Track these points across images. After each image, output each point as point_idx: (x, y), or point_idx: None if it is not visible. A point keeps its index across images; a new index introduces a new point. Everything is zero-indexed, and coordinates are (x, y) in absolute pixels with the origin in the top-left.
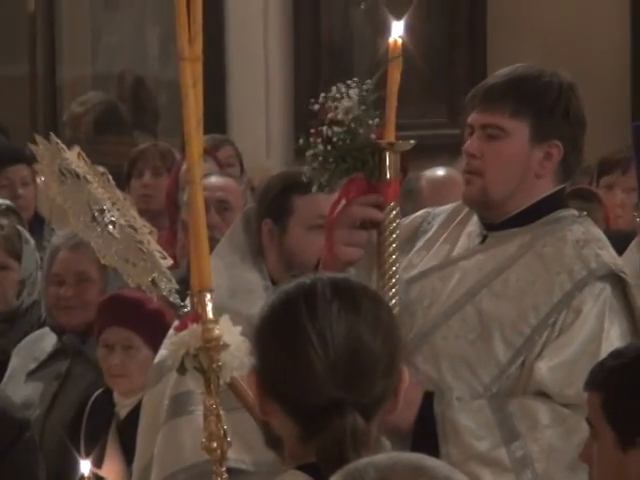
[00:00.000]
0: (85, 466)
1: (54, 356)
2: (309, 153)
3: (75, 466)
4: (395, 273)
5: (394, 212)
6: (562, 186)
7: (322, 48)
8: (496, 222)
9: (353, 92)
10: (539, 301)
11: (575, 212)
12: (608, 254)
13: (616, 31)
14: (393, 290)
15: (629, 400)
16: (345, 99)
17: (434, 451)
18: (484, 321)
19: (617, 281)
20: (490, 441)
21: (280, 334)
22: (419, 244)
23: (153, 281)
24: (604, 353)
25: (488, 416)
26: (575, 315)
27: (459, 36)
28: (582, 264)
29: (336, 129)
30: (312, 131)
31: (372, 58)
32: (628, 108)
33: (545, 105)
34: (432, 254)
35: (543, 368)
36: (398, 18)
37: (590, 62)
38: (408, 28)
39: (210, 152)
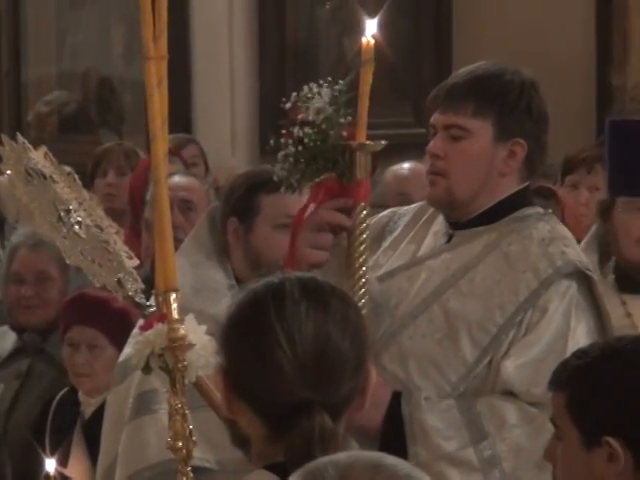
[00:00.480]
0: (50, 465)
1: (14, 355)
2: (280, 154)
3: (40, 465)
4: (365, 273)
5: (364, 212)
6: (526, 184)
7: (287, 47)
8: (462, 221)
9: (325, 92)
10: (505, 300)
11: (540, 210)
12: (574, 251)
13: (582, 30)
14: (362, 290)
15: (593, 399)
16: (316, 99)
17: (402, 452)
18: (451, 320)
19: (583, 278)
20: (458, 441)
21: (248, 334)
22: (385, 244)
23: (119, 281)
24: (571, 351)
25: (456, 416)
26: (541, 314)
27: (425, 35)
28: (548, 262)
29: (307, 130)
30: (283, 132)
31: (337, 57)
32: (593, 108)
33: (507, 103)
34: (398, 254)
35: (510, 367)
36: (371, 16)
37: (556, 62)
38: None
39: (176, 152)
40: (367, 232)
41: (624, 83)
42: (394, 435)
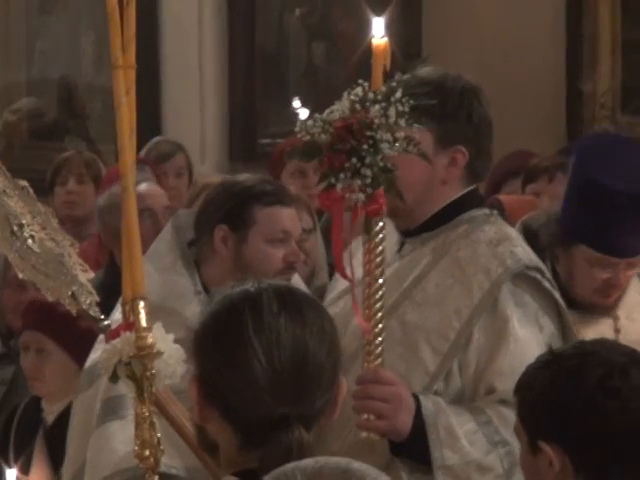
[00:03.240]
0: (11, 474)
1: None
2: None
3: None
4: (383, 283)
5: (382, 222)
6: (472, 187)
7: (256, 54)
8: (411, 229)
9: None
10: (460, 304)
11: (487, 211)
12: (522, 250)
13: (551, 37)
14: (380, 303)
15: (536, 404)
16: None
17: (422, 454)
18: (409, 333)
19: (533, 277)
20: (480, 445)
21: (225, 346)
22: None
23: (73, 295)
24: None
25: (471, 420)
26: (504, 322)
27: (393, 41)
28: (498, 262)
29: (367, 143)
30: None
31: (307, 64)
32: (563, 115)
33: (447, 111)
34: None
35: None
36: (378, 14)
37: (526, 68)
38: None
39: (146, 161)
40: (384, 241)
41: (594, 90)
42: (417, 438)
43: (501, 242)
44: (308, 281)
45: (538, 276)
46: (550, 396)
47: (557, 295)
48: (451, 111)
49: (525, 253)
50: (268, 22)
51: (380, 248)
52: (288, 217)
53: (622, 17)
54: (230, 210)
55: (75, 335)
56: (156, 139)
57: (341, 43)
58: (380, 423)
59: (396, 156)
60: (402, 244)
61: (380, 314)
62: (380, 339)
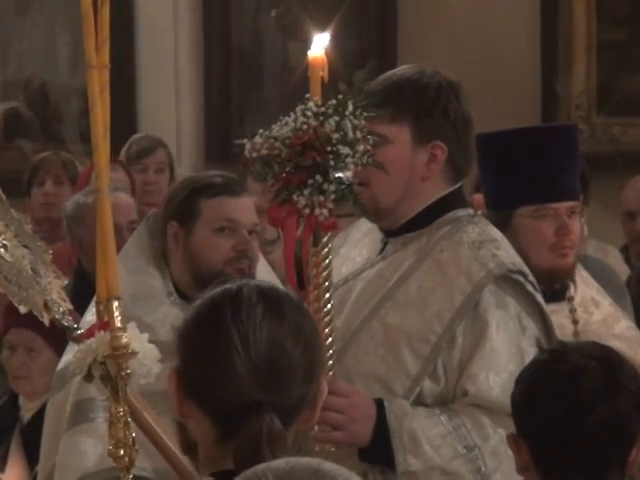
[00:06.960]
0: None
1: None
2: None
3: None
4: (331, 298)
5: (326, 238)
6: (457, 186)
7: (232, 54)
8: (393, 228)
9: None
10: (441, 307)
11: (471, 211)
12: (505, 254)
13: (527, 39)
14: (329, 317)
15: (523, 399)
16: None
17: (388, 460)
18: (391, 335)
19: (516, 280)
20: (446, 450)
21: (203, 334)
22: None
23: (46, 304)
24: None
25: (442, 424)
26: (484, 324)
27: (370, 48)
28: (480, 265)
29: (343, 150)
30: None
31: (283, 64)
32: (539, 116)
33: (423, 107)
34: (343, 262)
35: (495, 387)
36: (321, 31)
37: (501, 70)
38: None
39: (119, 162)
40: (330, 254)
41: (569, 91)
42: (382, 444)
43: (484, 244)
44: None
45: (521, 279)
46: (517, 391)
47: (539, 298)
48: (427, 107)
49: (508, 256)
50: (244, 23)
51: (327, 261)
52: (235, 206)
53: (597, 17)
54: (178, 206)
55: (62, 333)
56: (137, 135)
57: None
58: (336, 434)
59: (375, 154)
60: (384, 244)
61: (330, 327)
62: (331, 352)
